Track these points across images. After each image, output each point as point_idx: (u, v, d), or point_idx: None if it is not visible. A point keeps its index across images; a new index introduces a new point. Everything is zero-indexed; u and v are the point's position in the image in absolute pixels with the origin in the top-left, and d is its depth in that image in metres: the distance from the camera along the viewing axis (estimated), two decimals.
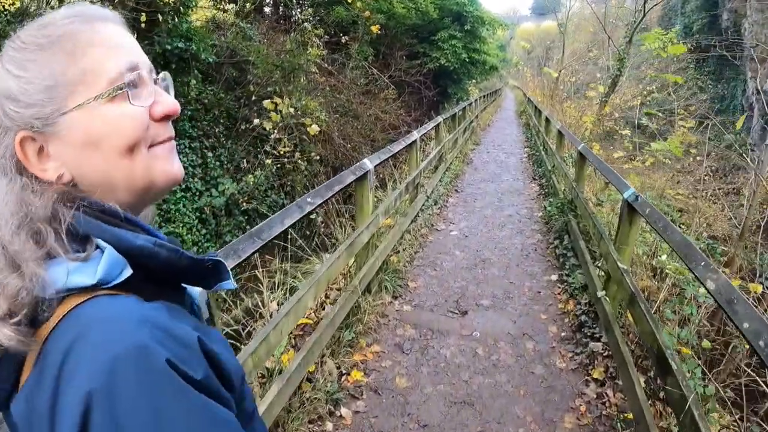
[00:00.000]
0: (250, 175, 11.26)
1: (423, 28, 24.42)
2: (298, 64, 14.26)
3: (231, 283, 0.87)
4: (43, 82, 0.72)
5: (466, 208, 9.46)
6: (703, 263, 2.80)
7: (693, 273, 2.87)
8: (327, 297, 4.99)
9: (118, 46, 0.78)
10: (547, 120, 12.48)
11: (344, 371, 4.16)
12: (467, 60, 24.39)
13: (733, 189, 17.94)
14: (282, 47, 15.20)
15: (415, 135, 7.78)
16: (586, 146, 7.04)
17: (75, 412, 0.57)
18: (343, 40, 20.63)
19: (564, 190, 8.24)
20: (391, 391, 4.01)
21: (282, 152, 11.86)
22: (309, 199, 3.53)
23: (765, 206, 10.76)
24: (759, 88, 24.95)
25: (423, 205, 8.44)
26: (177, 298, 0.84)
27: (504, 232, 8.23)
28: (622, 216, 4.59)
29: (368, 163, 4.94)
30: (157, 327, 0.64)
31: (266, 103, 11.53)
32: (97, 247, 0.71)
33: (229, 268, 0.86)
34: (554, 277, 6.40)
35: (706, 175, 15.70)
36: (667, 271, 4.95)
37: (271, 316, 4.04)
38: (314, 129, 11.29)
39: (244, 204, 10.80)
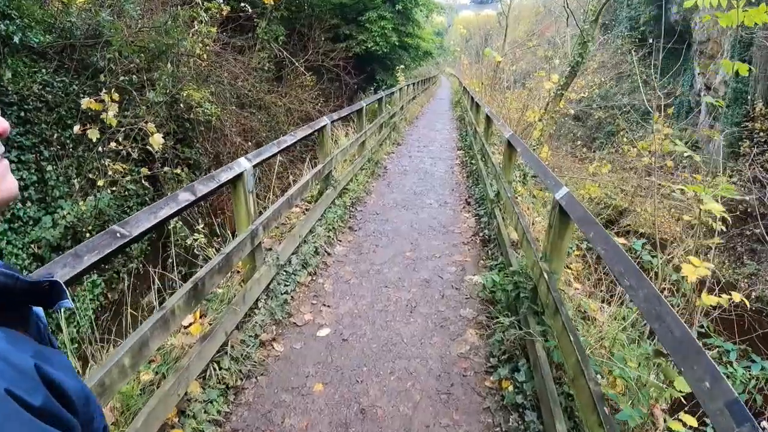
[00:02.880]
0: (89, 197, 8.40)
1: (350, 8, 21.07)
2: (167, 45, 10.22)
3: (69, 303, 0.82)
4: None
5: (357, 267, 5.60)
6: None
7: None
8: None
9: None
10: (489, 119, 8.68)
11: None
12: (398, 44, 21.24)
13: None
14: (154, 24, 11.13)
15: (244, 165, 3.85)
16: (570, 195, 3.30)
17: None
18: (252, 15, 16.61)
19: (525, 264, 4.41)
20: None
21: (123, 169, 8.66)
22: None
23: None
24: (708, 84, 22.76)
25: (274, 281, 4.62)
26: (19, 319, 0.78)
27: (413, 326, 4.47)
28: None
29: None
30: None
31: (85, 102, 7.41)
32: None
33: (66, 288, 0.81)
34: None
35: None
36: None
37: None
38: (157, 140, 7.23)
39: (88, 234, 7.98)
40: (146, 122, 8.29)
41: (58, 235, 7.77)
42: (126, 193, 8.93)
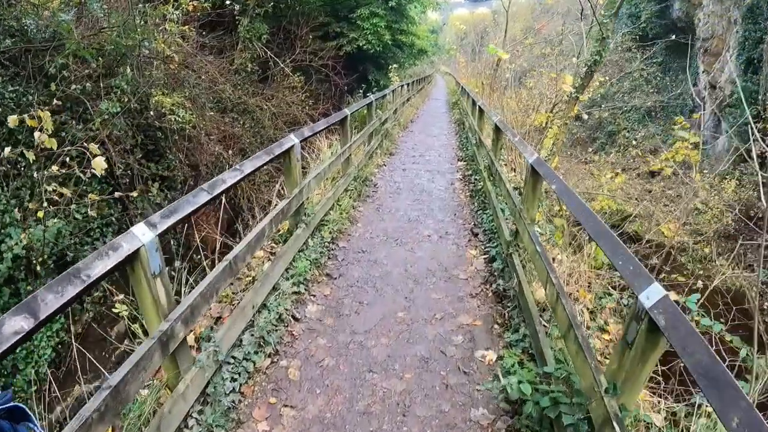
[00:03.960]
0: (39, 226, 7.02)
1: (341, 4, 19.74)
2: (127, 46, 8.86)
3: (34, 426, 0.83)
4: None
5: (333, 339, 4.17)
6: None
7: None
8: None
9: None
10: (498, 130, 7.17)
11: None
12: (391, 42, 19.88)
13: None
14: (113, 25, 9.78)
15: (142, 238, 2.44)
16: (668, 299, 1.92)
17: None
18: (232, 12, 15.20)
19: (571, 368, 2.99)
20: None
21: (71, 193, 7.44)
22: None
23: None
24: (712, 82, 21.45)
25: (212, 383, 3.20)
26: None
27: None
28: None
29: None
30: None
31: (12, 120, 5.93)
32: None
33: (29, 411, 0.82)
34: None
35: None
36: None
37: None
38: (99, 164, 5.78)
39: (40, 266, 6.72)
40: (87, 142, 6.87)
41: (5, 270, 6.44)
42: (86, 216, 7.61)
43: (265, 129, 14.98)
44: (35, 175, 7.22)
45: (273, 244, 5.20)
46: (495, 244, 5.84)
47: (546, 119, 12.39)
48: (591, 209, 3.06)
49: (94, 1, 9.80)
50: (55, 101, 6.87)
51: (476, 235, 6.44)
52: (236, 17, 14.56)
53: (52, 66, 8.28)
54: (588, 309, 4.37)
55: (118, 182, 8.42)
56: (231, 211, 11.68)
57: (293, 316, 4.42)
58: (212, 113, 12.80)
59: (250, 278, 4.57)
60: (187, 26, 12.41)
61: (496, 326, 4.45)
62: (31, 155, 6.51)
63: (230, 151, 12.89)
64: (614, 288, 4.87)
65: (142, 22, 10.64)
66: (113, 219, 8.17)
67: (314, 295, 4.85)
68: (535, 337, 3.66)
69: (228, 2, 15.68)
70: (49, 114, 6.09)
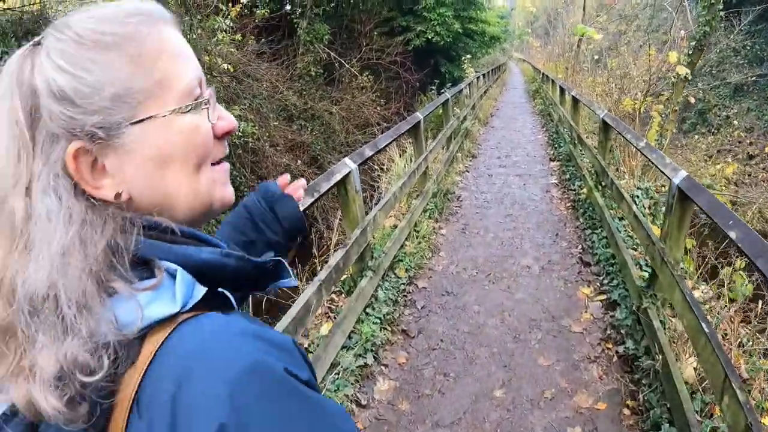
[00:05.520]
0: None
1: None
2: None
3: (292, 281, 0.77)
4: (108, 87, 0.59)
5: None
6: None
7: None
8: None
9: (185, 56, 0.67)
10: (606, 126, 5.60)
11: None
12: (461, 32, 18.52)
13: None
14: None
15: None
16: None
17: None
18: (289, 16, 14.31)
19: None
20: None
21: None
22: None
23: None
24: None
25: None
26: (227, 302, 0.66)
27: None
28: None
29: None
30: (258, 339, 0.55)
31: None
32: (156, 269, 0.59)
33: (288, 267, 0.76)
34: None
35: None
36: None
37: None
38: None
39: None
40: None
41: None
42: None
43: (336, 134, 14.07)
44: None
45: (333, 297, 4.03)
46: (615, 281, 4.38)
47: (641, 104, 10.63)
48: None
49: None
50: None
51: (587, 264, 5.00)
52: (294, 20, 13.63)
53: None
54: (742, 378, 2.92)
55: None
56: None
57: (357, 402, 3.22)
58: (276, 123, 11.94)
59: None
60: (240, 34, 11.60)
61: (625, 411, 3.09)
62: None
63: (299, 161, 12.02)
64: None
65: (193, 36, 9.92)
66: None
67: (385, 365, 3.63)
68: None
69: (288, 7, 14.86)
70: None
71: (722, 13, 20.43)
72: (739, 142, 18.78)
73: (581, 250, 5.32)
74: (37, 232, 0.55)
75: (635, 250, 4.69)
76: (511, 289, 4.61)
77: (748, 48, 21.42)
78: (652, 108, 10.16)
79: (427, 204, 6.10)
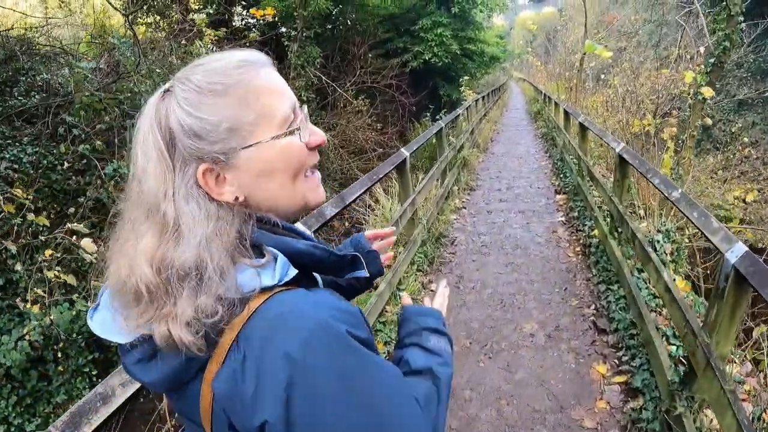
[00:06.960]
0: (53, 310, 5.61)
1: (401, 18, 18.08)
2: (135, 93, 7.68)
3: (364, 272, 0.94)
4: (224, 124, 0.77)
5: None
6: None
7: None
8: None
9: (280, 92, 0.83)
10: (623, 162, 4.68)
11: None
12: (459, 52, 17.91)
13: None
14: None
15: None
16: None
17: (279, 375, 0.66)
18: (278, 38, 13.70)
19: None
20: None
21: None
22: None
23: None
24: None
25: None
26: (315, 282, 0.95)
27: None
28: None
29: None
30: (332, 308, 0.74)
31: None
32: (266, 252, 0.78)
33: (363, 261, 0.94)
34: None
35: None
36: None
37: None
38: (89, 246, 4.29)
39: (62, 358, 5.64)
40: (72, 223, 5.29)
41: (18, 360, 5.22)
42: None
43: (330, 161, 13.32)
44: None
45: None
46: (637, 360, 3.53)
47: (651, 125, 9.79)
48: None
49: (126, 48, 8.50)
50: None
51: (602, 332, 4.15)
52: (285, 43, 12.93)
53: (60, 123, 7.12)
54: None
55: None
56: None
57: None
58: None
59: None
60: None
61: None
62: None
63: None
64: None
65: (176, 60, 9.28)
66: None
67: None
68: None
69: (283, 29, 14.20)
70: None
71: (743, 25, 19.57)
72: (746, 158, 18.04)
73: (595, 311, 4.47)
74: (184, 227, 0.74)
75: (660, 314, 3.88)
76: (511, 367, 3.77)
77: (752, 61, 20.67)
78: (663, 131, 9.33)
79: (415, 255, 5.28)
